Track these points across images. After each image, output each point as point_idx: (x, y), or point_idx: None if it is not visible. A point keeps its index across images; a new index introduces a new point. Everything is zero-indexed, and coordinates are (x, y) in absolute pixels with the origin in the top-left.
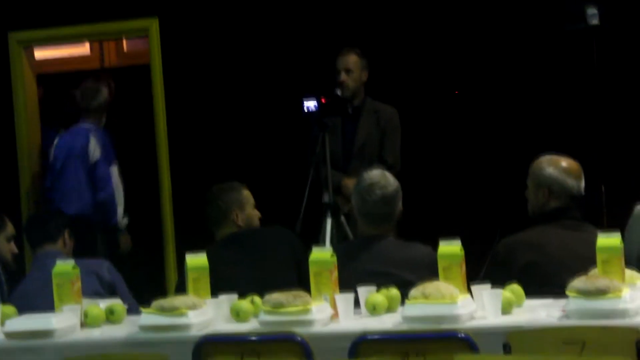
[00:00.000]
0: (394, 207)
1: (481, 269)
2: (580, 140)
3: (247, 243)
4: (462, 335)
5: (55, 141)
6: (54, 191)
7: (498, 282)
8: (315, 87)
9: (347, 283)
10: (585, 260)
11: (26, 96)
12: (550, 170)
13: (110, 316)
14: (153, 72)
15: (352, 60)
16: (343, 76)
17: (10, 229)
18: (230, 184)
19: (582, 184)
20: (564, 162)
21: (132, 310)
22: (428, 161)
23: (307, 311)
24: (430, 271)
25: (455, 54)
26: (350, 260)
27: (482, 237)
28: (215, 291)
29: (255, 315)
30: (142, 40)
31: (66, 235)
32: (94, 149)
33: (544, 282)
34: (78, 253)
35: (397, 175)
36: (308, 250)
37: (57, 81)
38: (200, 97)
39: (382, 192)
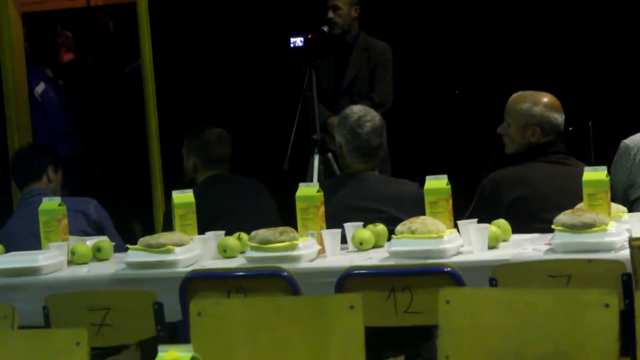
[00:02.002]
0: (383, 138)
1: (469, 207)
2: (567, 76)
3: (233, 183)
4: (449, 269)
5: None
6: None
7: (485, 217)
8: (302, 23)
9: (334, 219)
10: (573, 195)
11: (11, 35)
12: (538, 109)
13: (97, 253)
14: (139, 10)
15: None
16: (330, 13)
17: None
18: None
19: (563, 116)
20: (546, 98)
21: (119, 249)
22: (419, 98)
23: (293, 247)
24: (417, 208)
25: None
26: (336, 196)
27: (469, 174)
28: (207, 225)
29: (242, 251)
30: None
31: (50, 171)
32: None
33: (532, 216)
34: None
35: (385, 114)
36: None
37: (42, 19)
38: (187, 34)
39: (371, 124)
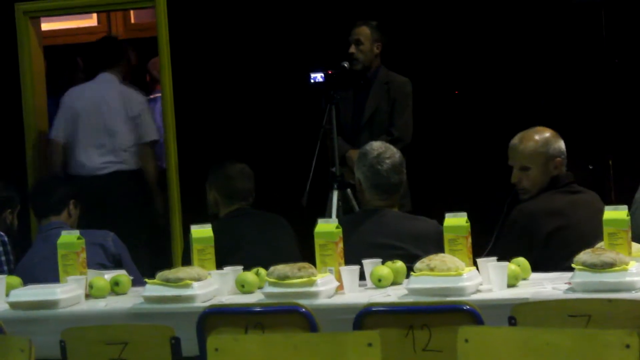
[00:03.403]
0: (402, 175)
1: (486, 244)
2: (588, 115)
3: (255, 217)
4: (468, 307)
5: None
6: None
7: (519, 250)
8: (323, 59)
9: (352, 255)
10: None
11: (33, 68)
12: (550, 141)
13: (115, 287)
14: (160, 44)
15: (362, 32)
16: (353, 48)
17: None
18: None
19: None
20: (547, 131)
21: (137, 283)
22: (438, 134)
23: (312, 283)
24: (435, 245)
25: (465, 27)
26: (355, 232)
27: (487, 211)
28: (225, 260)
29: (260, 287)
30: (149, 12)
31: (71, 205)
32: None
33: (572, 246)
34: None
35: (405, 149)
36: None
37: (63, 53)
38: (208, 68)
39: (391, 161)
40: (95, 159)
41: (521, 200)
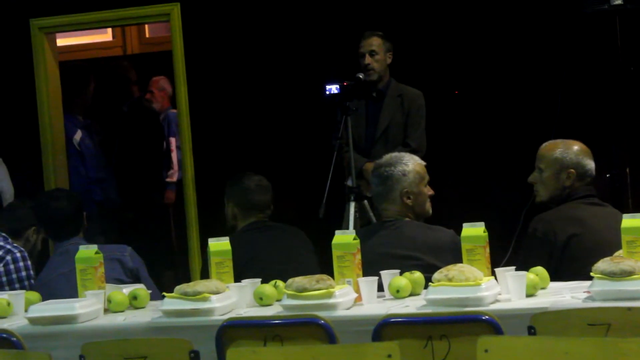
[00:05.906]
0: (389, 186)
1: (504, 254)
2: (604, 124)
3: (273, 230)
4: (487, 317)
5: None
6: None
7: (540, 258)
8: (337, 71)
9: (370, 266)
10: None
11: (49, 84)
12: (572, 153)
13: (134, 301)
14: (175, 58)
15: (376, 42)
16: (368, 59)
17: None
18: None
19: (593, 164)
20: (576, 145)
21: (154, 297)
22: (453, 144)
23: (330, 295)
24: (453, 255)
25: (476, 37)
26: (372, 243)
27: (505, 222)
28: (244, 273)
29: (279, 299)
30: (163, 26)
31: (84, 220)
32: None
33: (589, 253)
34: None
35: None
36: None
37: (77, 69)
38: (223, 82)
39: (377, 172)
40: None
41: (536, 203)
